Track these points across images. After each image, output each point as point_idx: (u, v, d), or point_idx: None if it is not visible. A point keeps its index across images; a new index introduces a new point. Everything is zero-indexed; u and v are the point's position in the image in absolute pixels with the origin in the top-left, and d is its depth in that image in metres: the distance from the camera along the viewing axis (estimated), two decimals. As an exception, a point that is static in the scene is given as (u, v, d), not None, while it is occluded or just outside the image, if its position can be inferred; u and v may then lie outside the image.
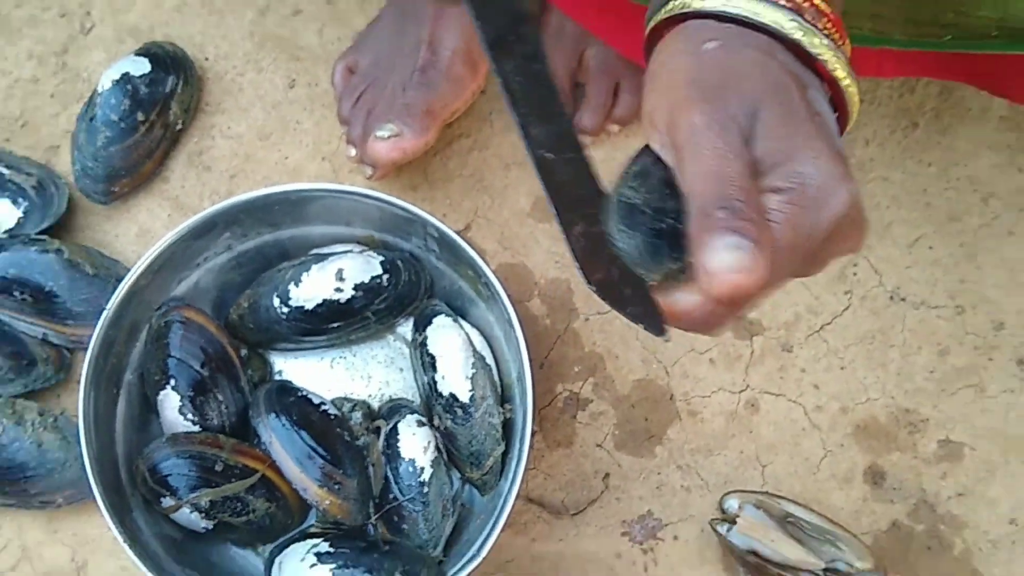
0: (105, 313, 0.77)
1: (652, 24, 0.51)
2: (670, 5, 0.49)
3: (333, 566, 0.77)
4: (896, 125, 0.94)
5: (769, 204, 0.43)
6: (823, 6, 0.48)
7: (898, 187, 0.92)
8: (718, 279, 0.41)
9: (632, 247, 0.45)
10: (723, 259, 0.41)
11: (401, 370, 0.87)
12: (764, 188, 0.44)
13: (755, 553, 0.83)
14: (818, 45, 0.47)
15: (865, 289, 0.90)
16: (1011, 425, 0.88)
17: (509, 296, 0.78)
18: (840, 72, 0.48)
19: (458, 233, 0.84)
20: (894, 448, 0.88)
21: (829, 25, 0.48)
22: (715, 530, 0.83)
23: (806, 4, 0.47)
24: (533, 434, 0.87)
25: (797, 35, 0.46)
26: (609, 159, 0.90)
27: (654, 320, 0.47)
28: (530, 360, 0.77)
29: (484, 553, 0.74)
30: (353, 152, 0.90)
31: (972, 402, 0.89)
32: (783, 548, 0.82)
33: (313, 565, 0.78)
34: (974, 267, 0.91)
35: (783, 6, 0.47)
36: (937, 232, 0.92)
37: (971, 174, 0.93)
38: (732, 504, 0.84)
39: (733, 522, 0.83)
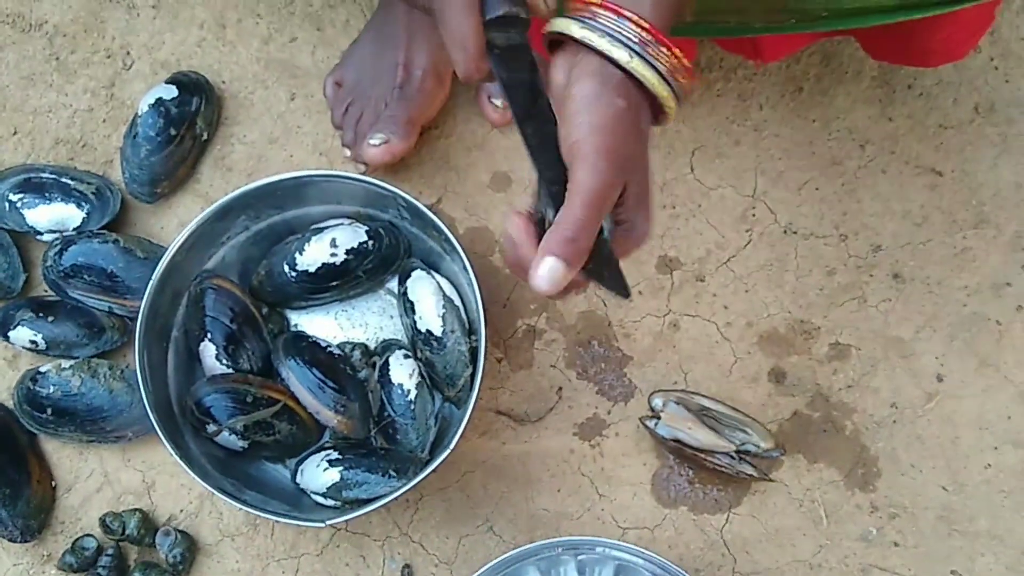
0: (151, 283, 0.92)
1: (549, 34, 0.63)
2: (556, 25, 0.61)
3: (341, 468, 0.92)
4: (784, 90, 1.05)
5: (615, 231, 0.62)
6: (662, 38, 0.60)
7: (788, 141, 1.04)
8: (536, 283, 0.58)
9: None
10: (543, 274, 0.58)
11: (392, 317, 1.00)
12: (615, 217, 0.62)
13: (678, 441, 0.95)
14: (651, 80, 0.60)
15: (763, 226, 1.02)
16: (890, 328, 1.00)
17: (464, 250, 0.91)
18: (664, 94, 0.60)
19: (430, 206, 0.98)
20: (792, 352, 1.00)
21: (665, 52, 0.60)
22: (645, 425, 0.96)
23: (648, 37, 0.59)
24: (499, 359, 1.01)
25: (638, 73, 0.59)
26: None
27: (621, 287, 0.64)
28: (483, 299, 0.90)
29: (453, 444, 0.87)
30: (348, 153, 1.04)
31: (856, 311, 1.00)
32: (700, 435, 0.95)
33: (326, 469, 0.92)
34: (854, 201, 1.03)
35: (628, 45, 0.59)
36: (822, 175, 1.03)
37: (849, 125, 1.04)
38: (658, 402, 0.96)
39: (659, 417, 0.96)
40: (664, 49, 0.60)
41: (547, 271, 0.57)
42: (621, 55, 0.59)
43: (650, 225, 0.63)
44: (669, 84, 0.60)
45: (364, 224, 0.97)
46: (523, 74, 0.62)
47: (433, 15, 0.63)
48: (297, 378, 0.94)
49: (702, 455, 0.95)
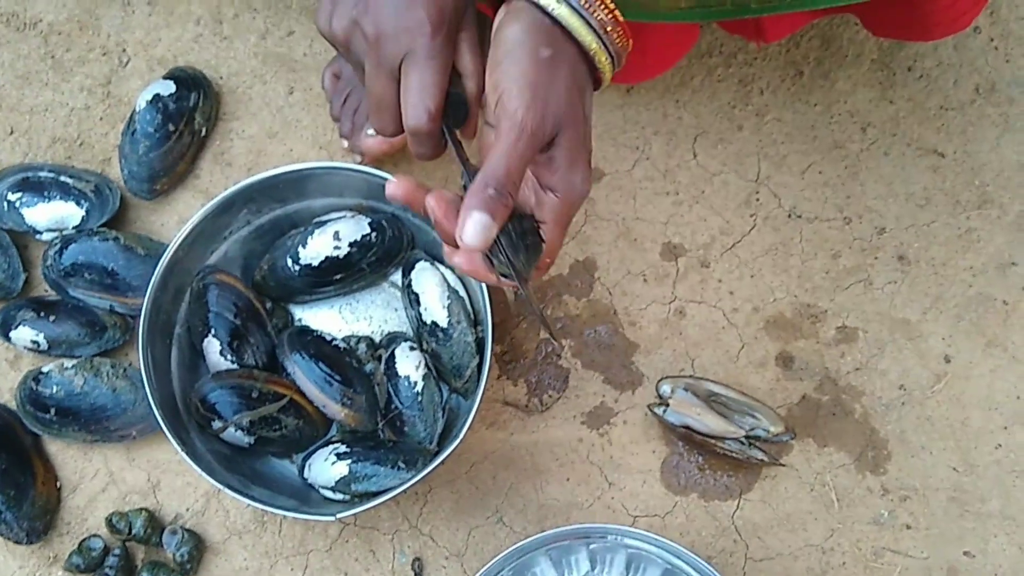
0: (152, 280, 0.91)
1: None
2: None
3: (350, 461, 0.90)
4: (785, 74, 1.04)
5: (548, 200, 0.61)
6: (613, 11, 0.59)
7: (790, 125, 1.03)
8: (465, 239, 0.57)
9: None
10: (470, 229, 0.57)
11: (396, 310, 0.99)
12: (546, 185, 0.60)
13: (687, 427, 0.94)
14: (579, 30, 0.59)
15: (767, 211, 1.01)
16: (896, 310, 0.99)
17: (470, 238, 0.90)
18: (593, 46, 0.60)
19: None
20: (799, 336, 0.99)
21: (597, 4, 0.59)
22: (653, 412, 0.95)
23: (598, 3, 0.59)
24: (505, 350, 1.00)
25: (564, 21, 0.58)
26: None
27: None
28: (488, 289, 0.89)
29: (462, 435, 0.86)
30: (346, 144, 1.03)
31: (862, 294, 0.99)
32: (709, 421, 0.94)
33: (334, 462, 0.91)
34: (857, 184, 1.02)
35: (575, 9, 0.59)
36: (825, 159, 1.02)
37: (850, 109, 1.03)
38: (666, 389, 0.95)
39: (667, 404, 0.94)
40: (597, 2, 0.59)
41: (474, 226, 0.56)
42: (547, 0, 0.58)
43: (589, 182, 0.62)
44: (600, 38, 0.59)
45: (367, 216, 0.95)
46: (462, 152, 0.64)
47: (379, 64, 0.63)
48: (303, 372, 0.92)
49: (712, 441, 0.94)
